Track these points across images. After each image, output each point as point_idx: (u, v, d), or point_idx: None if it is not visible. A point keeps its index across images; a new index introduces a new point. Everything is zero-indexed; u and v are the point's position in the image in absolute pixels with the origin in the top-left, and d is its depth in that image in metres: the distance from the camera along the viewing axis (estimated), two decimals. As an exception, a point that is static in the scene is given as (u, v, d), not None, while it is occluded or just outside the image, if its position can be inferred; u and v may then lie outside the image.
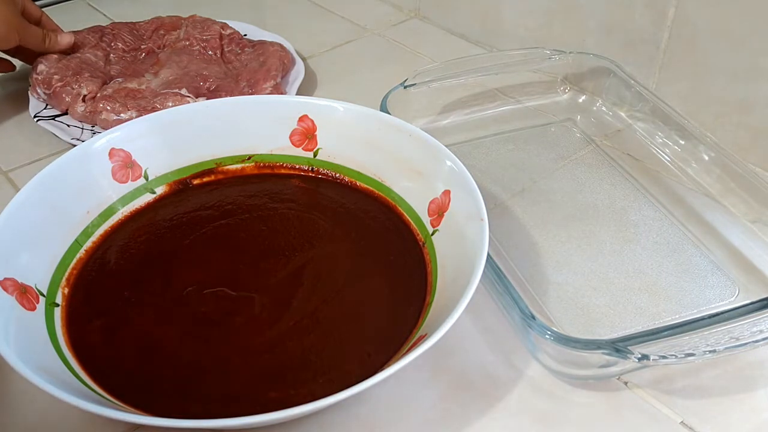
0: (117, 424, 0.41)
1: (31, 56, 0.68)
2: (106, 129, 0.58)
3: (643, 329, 0.43)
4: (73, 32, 0.70)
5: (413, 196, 0.51)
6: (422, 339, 0.40)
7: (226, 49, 0.72)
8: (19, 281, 0.43)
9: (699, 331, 0.40)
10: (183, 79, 0.66)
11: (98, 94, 0.64)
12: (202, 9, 0.77)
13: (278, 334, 0.44)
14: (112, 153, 0.52)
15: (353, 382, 0.37)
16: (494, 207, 0.56)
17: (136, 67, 0.70)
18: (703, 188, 0.57)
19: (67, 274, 0.47)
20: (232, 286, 0.47)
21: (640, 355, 0.38)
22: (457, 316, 0.39)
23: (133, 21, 0.76)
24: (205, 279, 0.48)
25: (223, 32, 0.73)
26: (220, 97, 0.64)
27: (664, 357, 0.39)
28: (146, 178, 0.53)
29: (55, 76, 0.64)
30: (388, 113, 0.56)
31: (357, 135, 0.54)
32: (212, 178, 0.56)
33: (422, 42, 0.80)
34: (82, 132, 0.63)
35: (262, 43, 0.72)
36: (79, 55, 0.68)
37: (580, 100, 0.67)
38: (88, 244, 0.49)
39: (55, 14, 0.74)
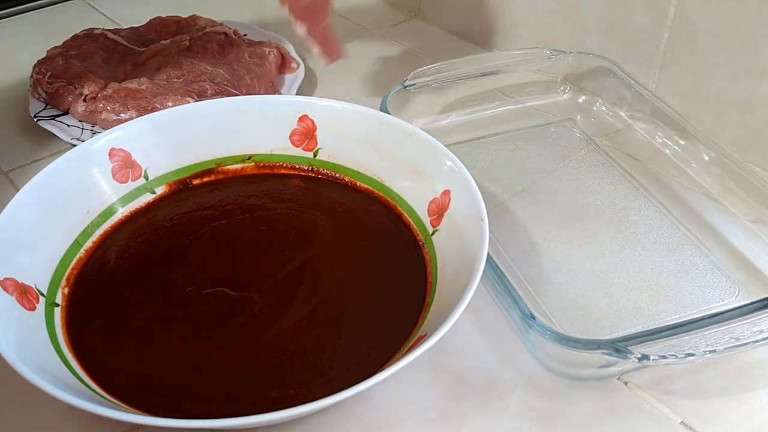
0: (117, 424, 0.41)
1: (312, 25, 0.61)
2: (106, 129, 0.58)
3: (643, 329, 0.43)
4: (75, 36, 0.70)
5: (413, 196, 0.51)
6: (422, 339, 0.40)
7: (226, 49, 0.72)
8: (19, 281, 0.43)
9: (699, 331, 0.40)
10: (183, 79, 0.66)
11: (99, 94, 0.64)
12: (202, 9, 0.77)
13: (278, 334, 0.44)
14: (112, 153, 0.52)
15: (353, 382, 0.37)
16: (494, 207, 0.56)
17: (135, 67, 0.70)
18: (703, 188, 0.57)
19: (67, 274, 0.47)
20: (232, 286, 0.47)
21: (640, 355, 0.38)
22: (457, 316, 0.39)
23: (133, 21, 0.76)
24: (205, 279, 0.48)
25: (223, 32, 0.73)
26: (220, 97, 0.64)
27: (664, 357, 0.39)
28: (146, 178, 0.53)
29: (58, 76, 0.65)
30: (388, 113, 0.56)
31: (357, 135, 0.54)
32: (212, 178, 0.56)
33: (422, 42, 0.80)
34: (82, 132, 0.63)
35: (261, 43, 0.72)
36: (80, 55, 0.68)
37: (580, 100, 0.67)
38: (88, 244, 0.49)
39: (55, 14, 0.74)
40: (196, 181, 0.55)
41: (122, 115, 0.62)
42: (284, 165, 0.56)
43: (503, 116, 0.67)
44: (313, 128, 0.55)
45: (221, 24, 0.74)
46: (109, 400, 0.40)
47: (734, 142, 0.60)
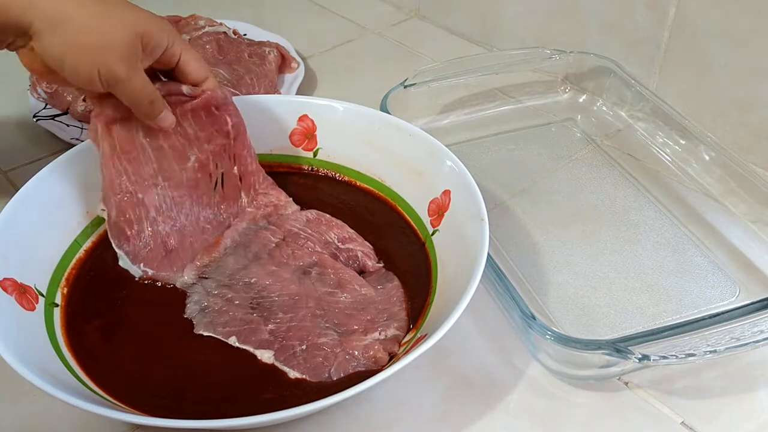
0: (116, 424, 0.41)
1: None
2: (106, 129, 0.58)
3: (643, 329, 0.43)
4: None
5: (413, 196, 0.51)
6: (422, 339, 0.40)
7: (225, 49, 0.72)
8: (19, 281, 0.43)
9: (700, 331, 0.40)
10: (183, 79, 0.66)
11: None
12: (202, 9, 0.77)
13: (278, 334, 0.44)
14: (111, 153, 0.52)
15: (353, 382, 0.37)
16: (494, 207, 0.56)
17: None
18: (703, 188, 0.57)
19: (66, 274, 0.47)
20: (232, 286, 0.47)
21: (640, 356, 0.38)
22: (457, 316, 0.39)
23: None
24: (204, 279, 0.48)
25: (223, 32, 0.73)
26: (220, 96, 0.64)
27: (664, 357, 0.39)
28: (146, 177, 0.53)
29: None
30: (388, 113, 0.56)
31: (357, 135, 0.54)
32: (212, 178, 0.55)
33: (422, 42, 0.80)
34: (81, 132, 0.63)
35: (261, 43, 0.72)
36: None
37: (581, 100, 0.67)
38: (88, 244, 0.49)
39: (54, 14, 0.73)
40: (195, 181, 0.55)
41: (122, 114, 0.62)
42: (284, 164, 0.56)
43: (503, 116, 0.67)
44: (313, 128, 0.55)
45: (221, 24, 0.74)
46: (108, 400, 0.39)
47: (734, 142, 0.60)
